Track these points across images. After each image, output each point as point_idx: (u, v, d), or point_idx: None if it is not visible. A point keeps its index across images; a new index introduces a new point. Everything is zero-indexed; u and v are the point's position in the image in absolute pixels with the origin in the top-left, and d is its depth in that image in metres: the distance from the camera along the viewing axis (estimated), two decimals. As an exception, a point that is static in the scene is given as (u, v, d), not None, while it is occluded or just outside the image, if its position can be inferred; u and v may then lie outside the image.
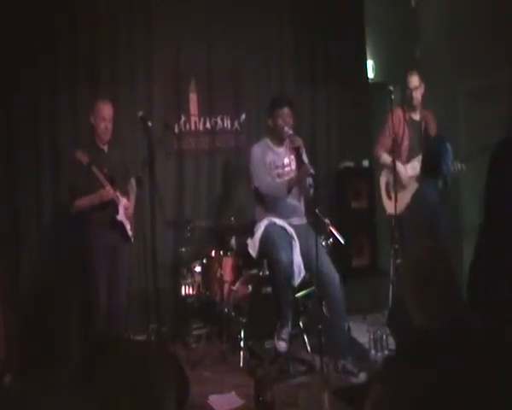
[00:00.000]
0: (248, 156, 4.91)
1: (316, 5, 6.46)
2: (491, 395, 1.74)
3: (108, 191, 4.57)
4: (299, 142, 4.56)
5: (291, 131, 4.61)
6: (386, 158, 5.34)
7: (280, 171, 4.76)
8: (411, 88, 5.21)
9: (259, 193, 4.77)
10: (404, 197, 5.15)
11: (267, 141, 4.84)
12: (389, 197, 5.37)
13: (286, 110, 4.72)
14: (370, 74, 7.16)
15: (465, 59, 6.14)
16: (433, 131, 5.28)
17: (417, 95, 5.22)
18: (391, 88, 5.13)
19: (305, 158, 4.58)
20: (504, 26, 5.62)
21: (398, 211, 5.10)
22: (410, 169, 5.23)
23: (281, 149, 4.80)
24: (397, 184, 5.09)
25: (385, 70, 7.32)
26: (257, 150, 4.81)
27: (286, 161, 4.78)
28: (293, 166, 4.71)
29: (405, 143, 5.28)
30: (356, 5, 6.73)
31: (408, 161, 5.27)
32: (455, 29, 6.35)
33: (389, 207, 5.35)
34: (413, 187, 5.23)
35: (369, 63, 7.12)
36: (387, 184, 5.42)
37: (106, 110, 4.71)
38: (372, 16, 6.85)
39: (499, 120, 5.63)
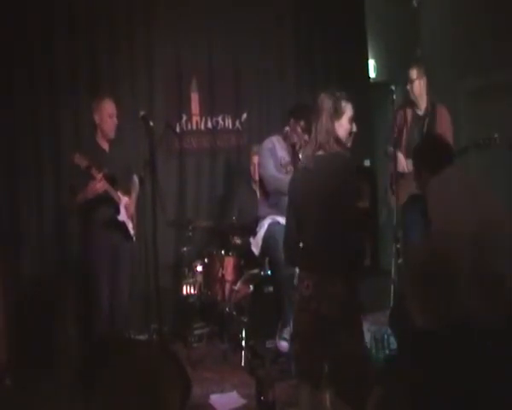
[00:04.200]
0: (260, 147, 4.93)
1: (316, 4, 6.45)
2: (491, 396, 1.74)
3: (99, 182, 4.49)
4: (295, 139, 4.57)
5: (287, 128, 4.59)
6: (390, 151, 5.35)
7: (289, 168, 4.80)
8: (410, 80, 5.21)
9: (263, 185, 4.79)
10: (405, 190, 5.13)
11: (279, 138, 4.85)
12: (393, 191, 5.38)
13: (304, 124, 4.70)
14: (372, 74, 7.16)
15: (466, 58, 6.14)
16: (443, 126, 5.19)
17: (415, 88, 5.20)
18: (392, 87, 5.12)
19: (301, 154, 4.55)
20: (505, 26, 5.62)
21: (400, 203, 5.11)
22: (410, 164, 5.23)
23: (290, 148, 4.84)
24: (398, 177, 5.11)
25: (386, 69, 7.31)
26: (268, 143, 4.84)
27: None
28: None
29: (405, 139, 5.28)
30: (357, 4, 6.73)
31: (409, 156, 5.26)
32: (456, 28, 6.34)
33: (393, 201, 5.36)
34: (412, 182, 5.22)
35: (371, 63, 7.11)
36: (392, 178, 5.43)
37: (112, 107, 4.72)
38: (373, 16, 6.85)
39: (501, 118, 5.63)
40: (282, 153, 4.80)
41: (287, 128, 4.67)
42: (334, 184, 3.13)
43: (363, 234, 3.41)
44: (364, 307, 3.80)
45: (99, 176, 4.46)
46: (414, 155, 3.65)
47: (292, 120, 4.66)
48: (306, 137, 4.63)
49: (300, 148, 4.55)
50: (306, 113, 4.88)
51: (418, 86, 5.19)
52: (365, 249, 3.47)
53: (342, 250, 3.12)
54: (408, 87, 5.21)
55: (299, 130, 4.67)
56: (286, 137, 4.72)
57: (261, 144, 4.92)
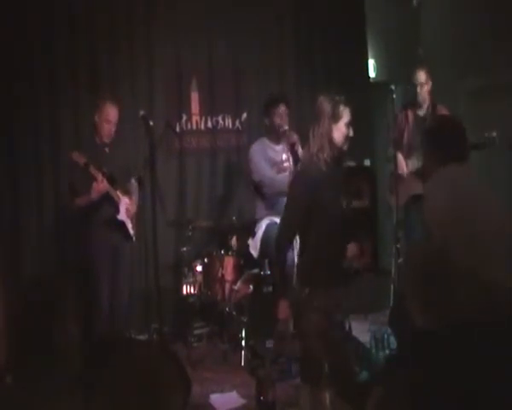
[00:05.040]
0: (248, 155, 4.95)
1: (316, 4, 6.45)
2: (491, 396, 1.74)
3: (101, 182, 4.50)
4: (294, 138, 4.58)
5: (287, 127, 4.66)
6: (390, 152, 5.36)
7: (280, 166, 4.83)
8: (417, 84, 5.20)
9: (261, 189, 4.80)
10: (406, 191, 5.14)
11: (265, 140, 4.93)
12: (392, 192, 5.38)
13: (282, 107, 4.78)
14: (372, 73, 7.16)
15: (466, 58, 6.14)
16: None
17: (423, 91, 5.20)
18: (392, 87, 5.12)
19: (300, 153, 4.57)
20: (505, 25, 5.62)
21: (399, 204, 5.11)
22: (410, 165, 5.24)
23: (278, 147, 4.88)
24: (398, 177, 5.11)
25: (386, 69, 7.31)
26: (256, 148, 4.89)
27: (284, 156, 4.85)
28: (291, 161, 4.74)
29: (406, 139, 5.29)
30: (357, 4, 6.72)
31: (409, 156, 5.27)
32: (456, 28, 6.34)
33: (393, 201, 5.36)
34: (414, 182, 5.22)
35: (371, 62, 7.11)
36: (392, 175, 5.43)
37: (112, 113, 4.69)
38: (373, 15, 6.85)
39: (501, 118, 5.63)
40: (271, 154, 4.85)
41: (286, 127, 4.68)
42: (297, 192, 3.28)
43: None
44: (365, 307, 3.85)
45: (100, 177, 4.47)
46: (425, 136, 3.36)
47: (272, 109, 4.74)
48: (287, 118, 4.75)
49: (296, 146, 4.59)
50: (281, 96, 4.97)
51: (426, 89, 5.19)
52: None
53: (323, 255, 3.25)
54: (418, 90, 5.19)
55: (281, 113, 4.75)
56: (283, 135, 4.74)
57: (250, 151, 4.94)
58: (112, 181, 4.62)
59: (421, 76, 5.20)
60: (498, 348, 1.83)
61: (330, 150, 3.30)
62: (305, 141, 4.75)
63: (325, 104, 3.31)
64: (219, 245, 5.51)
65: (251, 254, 4.91)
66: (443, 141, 3.10)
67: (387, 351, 4.43)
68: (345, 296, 3.47)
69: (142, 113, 4.45)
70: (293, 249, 4.60)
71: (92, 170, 4.46)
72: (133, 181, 4.96)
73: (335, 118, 3.28)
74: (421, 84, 5.20)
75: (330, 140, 3.29)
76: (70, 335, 1.75)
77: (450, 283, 1.92)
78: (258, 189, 4.87)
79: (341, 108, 3.31)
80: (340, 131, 3.30)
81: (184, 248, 5.40)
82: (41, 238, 5.28)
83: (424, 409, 1.74)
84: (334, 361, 3.10)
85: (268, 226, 4.76)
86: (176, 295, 5.51)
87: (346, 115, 3.32)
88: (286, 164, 4.82)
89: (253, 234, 4.86)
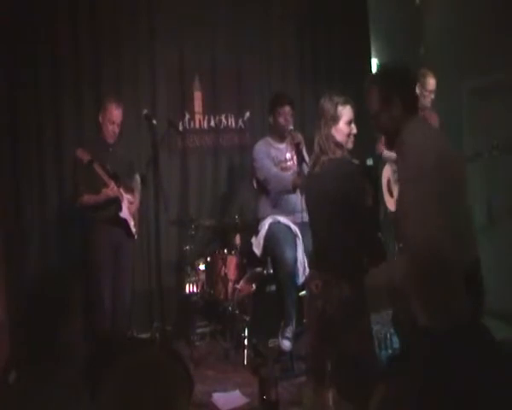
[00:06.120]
0: (252, 154, 4.95)
1: (319, 4, 6.44)
2: (492, 397, 1.74)
3: (112, 189, 4.56)
4: (299, 138, 4.58)
5: (292, 127, 4.66)
6: (388, 152, 5.31)
7: (283, 165, 4.84)
8: (429, 90, 5.14)
9: (265, 187, 4.81)
10: None
11: (268, 139, 4.93)
12: (391, 194, 5.34)
13: (287, 108, 4.78)
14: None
15: (469, 57, 6.12)
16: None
17: (430, 98, 5.16)
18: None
19: (305, 155, 4.58)
20: (507, 25, 5.60)
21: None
22: None
23: (282, 145, 4.88)
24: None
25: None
26: (260, 146, 4.89)
27: (288, 155, 4.85)
28: (295, 160, 4.74)
29: None
30: (360, 3, 6.72)
31: None
32: (459, 27, 6.32)
33: (390, 204, 5.32)
34: None
35: (374, 61, 7.10)
36: (389, 181, 5.39)
37: (116, 114, 4.69)
38: (376, 14, 6.84)
39: (503, 118, 5.62)
40: (275, 153, 4.85)
41: (291, 127, 4.68)
42: (336, 188, 3.19)
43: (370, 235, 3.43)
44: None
45: (112, 184, 4.50)
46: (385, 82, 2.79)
47: (278, 108, 4.74)
48: (292, 119, 4.76)
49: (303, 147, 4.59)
50: (287, 97, 4.97)
51: (433, 96, 5.13)
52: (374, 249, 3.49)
53: (348, 252, 3.18)
54: (426, 94, 5.12)
55: (285, 114, 4.76)
56: (288, 135, 4.74)
57: (254, 149, 4.94)
58: (115, 179, 4.63)
59: (433, 83, 5.15)
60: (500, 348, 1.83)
61: (341, 152, 3.30)
62: (307, 140, 4.80)
63: (325, 106, 3.32)
64: (222, 244, 5.51)
65: (254, 253, 4.91)
66: (406, 86, 2.75)
67: (390, 351, 4.42)
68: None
69: (145, 111, 4.46)
70: (296, 247, 4.62)
71: (96, 167, 4.48)
72: (137, 177, 4.97)
73: (334, 119, 3.28)
74: (431, 92, 5.14)
75: (334, 141, 3.29)
76: (72, 334, 1.75)
77: (451, 281, 1.92)
78: (262, 187, 4.87)
79: (340, 108, 3.29)
80: (340, 131, 3.29)
81: (187, 247, 5.40)
82: (44, 237, 5.28)
83: (427, 409, 1.74)
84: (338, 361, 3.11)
85: (271, 225, 4.75)
86: (178, 294, 5.52)
87: (345, 114, 3.31)
88: (289, 163, 4.82)
89: (257, 233, 4.85)
